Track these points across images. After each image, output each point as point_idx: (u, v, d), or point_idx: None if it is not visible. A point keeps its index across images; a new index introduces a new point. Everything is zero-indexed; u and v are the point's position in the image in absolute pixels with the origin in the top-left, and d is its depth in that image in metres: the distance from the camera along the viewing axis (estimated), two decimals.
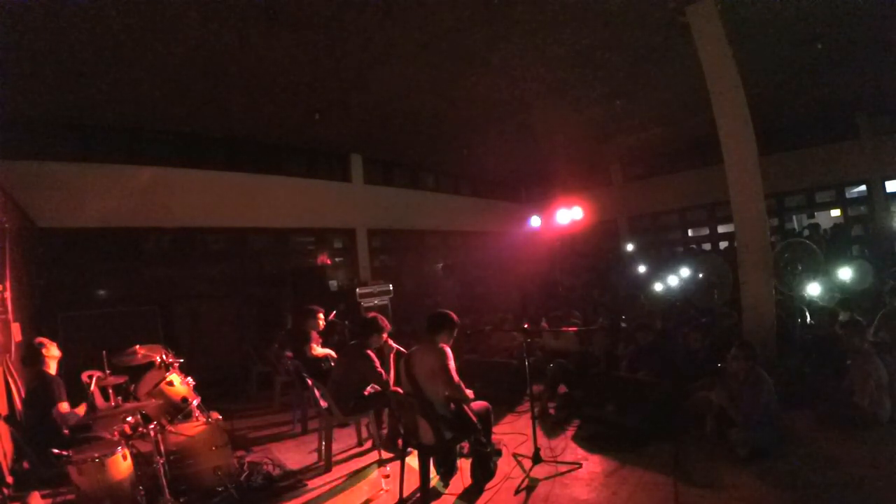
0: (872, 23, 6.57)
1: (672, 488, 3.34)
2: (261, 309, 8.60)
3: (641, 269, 11.13)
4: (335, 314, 6.69)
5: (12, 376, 4.20)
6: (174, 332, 7.50)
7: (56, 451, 3.07)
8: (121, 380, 4.04)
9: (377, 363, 4.32)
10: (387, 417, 4.59)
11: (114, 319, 6.81)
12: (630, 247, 13.34)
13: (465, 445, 3.83)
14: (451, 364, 3.45)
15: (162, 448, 3.35)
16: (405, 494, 3.51)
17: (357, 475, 4.08)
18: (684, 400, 4.58)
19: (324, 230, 10.51)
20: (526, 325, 4.68)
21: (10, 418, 3.88)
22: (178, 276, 8.35)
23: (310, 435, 5.07)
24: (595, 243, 14.19)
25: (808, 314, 6.20)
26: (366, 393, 4.29)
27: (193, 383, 4.31)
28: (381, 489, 3.70)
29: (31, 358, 3.78)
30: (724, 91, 5.60)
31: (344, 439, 4.79)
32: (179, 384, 4.21)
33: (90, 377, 4.00)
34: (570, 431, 4.67)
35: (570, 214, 11.18)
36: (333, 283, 10.12)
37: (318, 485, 3.95)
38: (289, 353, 5.75)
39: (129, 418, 3.31)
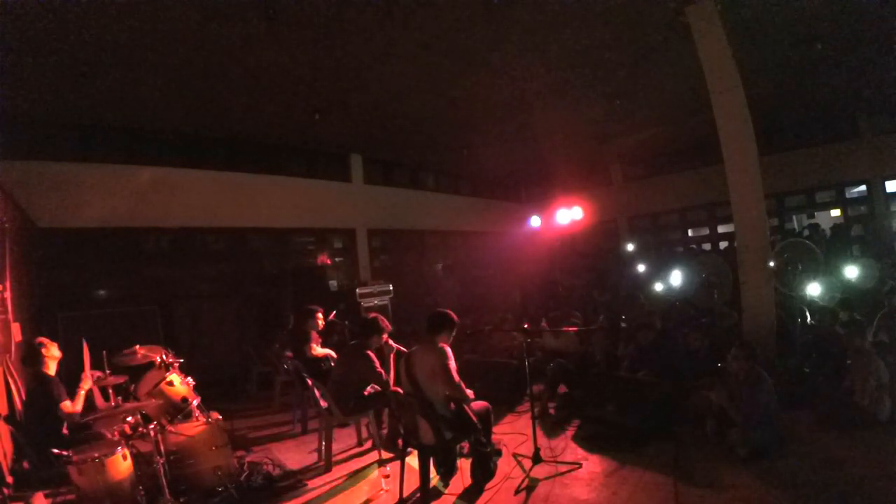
0: (872, 23, 6.57)
1: (672, 488, 3.34)
2: (261, 309, 8.60)
3: (640, 268, 11.13)
4: (335, 314, 6.69)
5: (12, 376, 4.20)
6: (174, 332, 7.50)
7: (56, 451, 3.07)
8: (121, 380, 4.04)
9: (377, 363, 4.32)
10: (387, 417, 4.59)
11: (114, 319, 6.81)
12: (630, 247, 13.33)
13: (465, 445, 3.84)
14: (452, 364, 3.45)
15: (162, 448, 3.35)
16: (405, 494, 3.51)
17: (357, 475, 4.08)
18: (684, 400, 4.58)
19: (324, 230, 10.51)
20: (526, 325, 4.69)
21: (10, 418, 3.88)
22: (178, 276, 8.34)
23: (310, 435, 5.07)
24: (595, 243, 14.18)
25: (808, 314, 6.20)
26: (366, 393, 4.29)
27: (193, 383, 4.31)
28: (381, 489, 3.70)
29: (31, 358, 3.78)
30: (724, 91, 5.60)
31: (344, 439, 4.79)
32: (179, 384, 4.21)
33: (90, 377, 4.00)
34: (570, 431, 4.67)
35: (570, 214, 11.19)
36: (333, 283, 10.13)
37: (318, 485, 3.95)
38: (289, 354, 5.75)
39: (129, 418, 3.31)
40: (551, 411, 5.22)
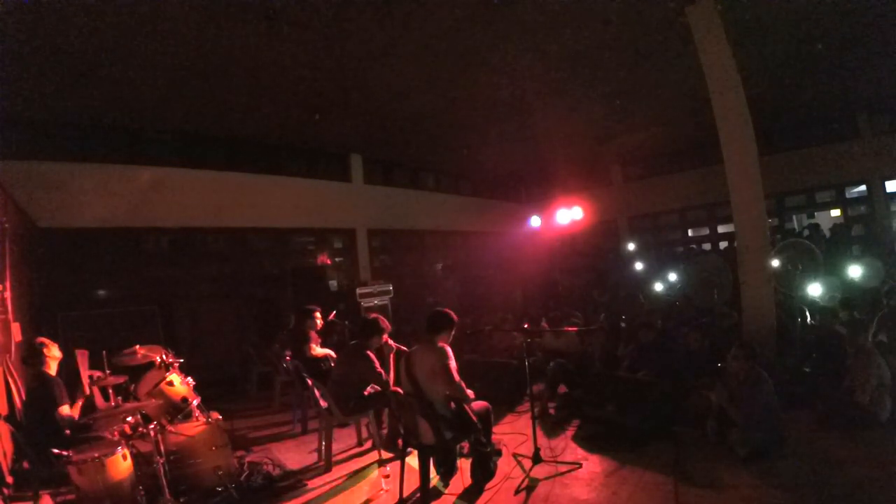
0: (872, 23, 6.57)
1: (672, 488, 3.34)
2: (261, 309, 8.60)
3: (637, 266, 11.14)
4: (335, 314, 6.69)
5: (12, 376, 4.19)
6: (174, 332, 7.50)
7: (56, 451, 3.07)
8: (121, 380, 4.04)
9: (377, 364, 4.33)
10: (387, 417, 4.59)
11: (114, 319, 6.81)
12: (631, 246, 13.34)
13: (465, 445, 3.84)
14: (452, 363, 3.45)
15: (162, 448, 3.35)
16: (405, 494, 3.51)
17: (357, 475, 4.08)
18: (684, 400, 4.58)
19: (324, 230, 10.51)
20: (526, 325, 4.69)
21: (10, 418, 3.88)
22: (178, 276, 8.34)
23: (310, 435, 5.07)
24: (595, 243, 14.18)
25: (808, 314, 6.21)
26: (366, 393, 4.29)
27: (193, 383, 4.32)
28: (381, 489, 3.70)
29: (32, 358, 3.77)
30: (724, 91, 5.60)
31: (344, 439, 4.79)
32: (179, 384, 4.22)
33: (90, 377, 4.00)
34: (570, 431, 4.68)
35: (570, 214, 11.19)
36: (333, 283, 10.13)
37: (318, 485, 3.95)
38: (288, 354, 5.75)
39: (129, 418, 3.31)
40: (551, 411, 5.22)
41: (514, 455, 4.11)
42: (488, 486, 3.64)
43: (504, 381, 5.58)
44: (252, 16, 5.14)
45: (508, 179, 15.24)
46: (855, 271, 7.13)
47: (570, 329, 6.11)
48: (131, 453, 3.31)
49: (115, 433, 3.37)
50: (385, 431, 4.54)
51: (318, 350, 5.40)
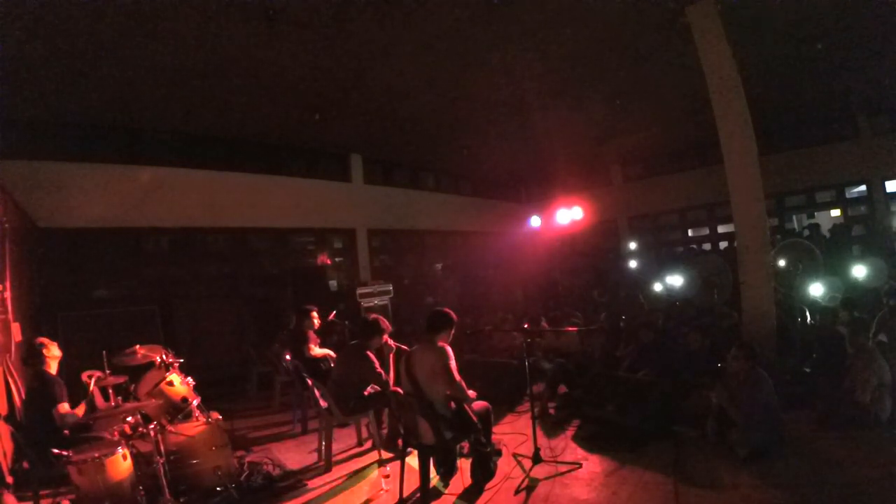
0: (872, 23, 6.57)
1: (672, 488, 3.34)
2: (261, 309, 8.60)
3: (633, 264, 11.13)
4: (335, 314, 6.69)
5: (12, 376, 4.20)
6: (174, 332, 7.50)
7: (56, 451, 3.07)
8: (121, 380, 4.04)
9: (377, 364, 4.33)
10: (387, 417, 4.59)
11: (114, 319, 6.81)
12: (632, 245, 13.34)
13: (465, 445, 3.84)
14: (453, 363, 3.45)
15: (162, 448, 3.35)
16: (405, 494, 3.51)
17: (357, 475, 4.08)
18: (684, 400, 4.58)
19: (324, 230, 10.51)
20: (526, 325, 4.69)
21: (10, 418, 3.88)
22: (178, 276, 8.35)
23: (310, 435, 5.07)
24: (595, 243, 14.18)
25: (808, 314, 6.21)
26: (366, 393, 4.29)
27: (193, 383, 4.32)
28: (381, 489, 3.70)
29: (32, 357, 3.77)
30: (724, 91, 5.60)
31: (344, 439, 4.79)
32: (179, 384, 4.22)
33: (90, 377, 4.00)
34: (570, 431, 4.68)
35: (570, 214, 11.19)
36: (333, 283, 10.13)
37: (318, 485, 3.95)
38: (287, 355, 5.75)
39: (129, 418, 3.31)
40: (551, 411, 5.22)
41: (514, 455, 4.11)
42: (488, 486, 3.63)
43: (504, 381, 5.58)
44: (252, 16, 5.13)
45: (508, 179, 15.24)
46: (859, 271, 7.12)
47: (570, 329, 6.11)
48: (131, 453, 3.31)
49: (115, 433, 3.37)
50: (385, 431, 4.54)
51: (316, 350, 5.41)
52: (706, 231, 13.44)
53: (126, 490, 3.17)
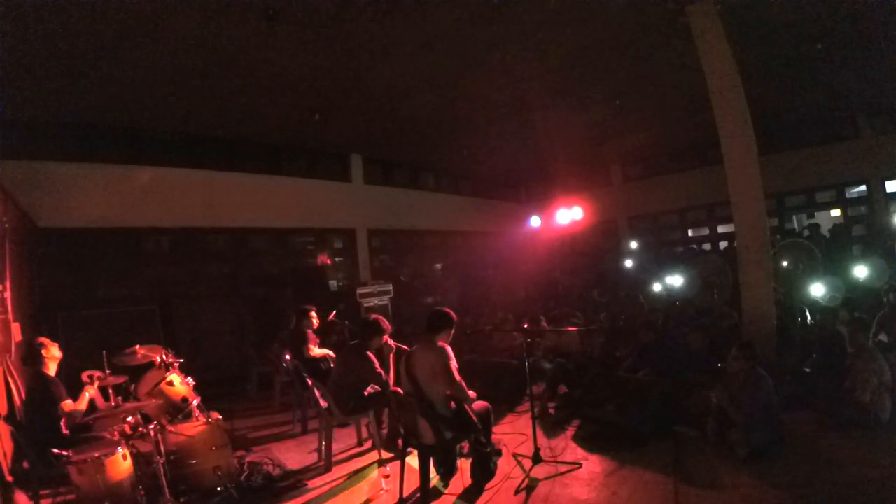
0: (872, 23, 6.57)
1: (672, 488, 3.34)
2: (261, 309, 8.60)
3: (628, 264, 11.12)
4: (335, 314, 6.69)
5: (12, 376, 4.19)
6: (174, 332, 7.50)
7: (56, 451, 3.07)
8: (121, 380, 4.04)
9: (376, 364, 4.33)
10: (387, 417, 4.59)
11: (114, 319, 6.81)
12: (634, 244, 13.34)
13: (465, 445, 3.84)
14: (453, 363, 3.45)
15: (162, 448, 3.35)
16: (405, 494, 3.51)
17: (357, 475, 4.08)
18: (684, 400, 4.58)
19: (324, 230, 10.50)
20: (526, 325, 4.69)
21: (10, 418, 3.88)
22: (178, 276, 8.35)
23: (310, 435, 5.07)
24: (595, 243, 14.18)
25: (808, 314, 6.20)
26: (366, 393, 4.29)
27: (193, 383, 4.32)
28: (381, 489, 3.70)
29: (31, 357, 3.77)
30: (724, 91, 5.60)
31: (344, 439, 4.79)
32: (179, 384, 4.22)
33: (90, 377, 4.00)
34: (570, 431, 4.67)
35: (570, 214, 11.19)
36: (333, 283, 10.13)
37: (318, 485, 3.95)
38: (286, 355, 5.75)
39: (129, 418, 3.31)
40: (551, 411, 5.22)
41: (514, 455, 4.11)
42: (488, 486, 3.64)
43: (504, 381, 5.58)
44: (252, 16, 5.13)
45: (508, 179, 15.25)
46: (860, 271, 7.11)
47: (570, 329, 6.11)
48: (131, 453, 3.31)
49: (115, 433, 3.37)
50: (385, 431, 4.54)
51: (316, 351, 5.41)
52: (706, 231, 13.45)
53: (126, 490, 3.17)
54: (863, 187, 11.47)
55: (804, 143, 11.59)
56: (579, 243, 13.36)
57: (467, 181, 14.22)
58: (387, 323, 4.56)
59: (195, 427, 3.79)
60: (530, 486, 3.56)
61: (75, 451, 3.17)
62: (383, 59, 6.43)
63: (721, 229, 12.83)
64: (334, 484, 3.95)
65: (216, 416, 4.02)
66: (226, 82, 6.66)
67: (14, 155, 6.33)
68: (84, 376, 4.06)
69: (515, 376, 5.43)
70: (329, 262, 10.39)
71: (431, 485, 3.61)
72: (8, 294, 4.51)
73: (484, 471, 3.72)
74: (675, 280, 8.51)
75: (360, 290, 9.09)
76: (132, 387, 4.25)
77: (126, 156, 7.80)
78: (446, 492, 3.64)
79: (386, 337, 4.51)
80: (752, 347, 4.10)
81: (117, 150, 7.77)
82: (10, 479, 3.45)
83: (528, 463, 3.85)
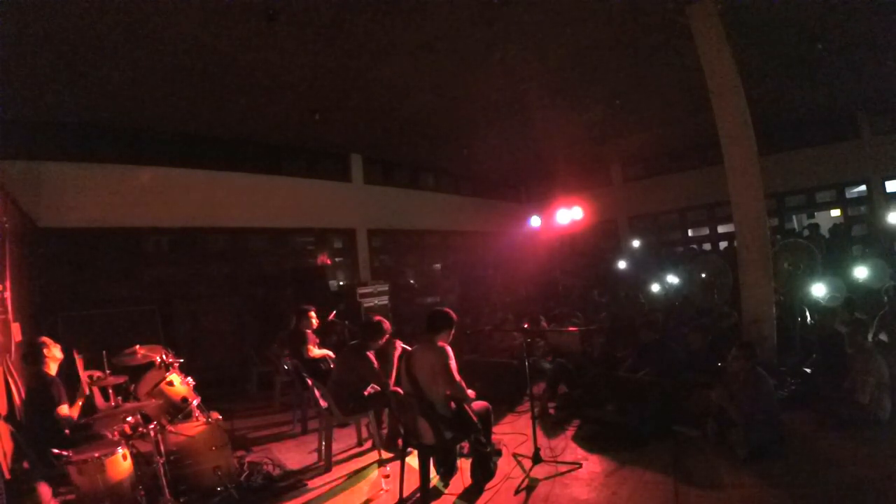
0: (872, 23, 6.57)
1: (672, 488, 3.34)
2: (261, 309, 8.60)
3: (622, 265, 11.11)
4: (335, 314, 6.69)
5: (12, 376, 4.19)
6: (174, 332, 7.50)
7: (56, 451, 3.07)
8: (121, 380, 4.04)
9: (376, 364, 4.33)
10: (387, 417, 4.59)
11: (114, 319, 6.81)
12: (636, 243, 13.34)
13: (465, 445, 3.83)
14: (453, 363, 3.45)
15: (162, 448, 3.35)
16: (405, 494, 3.51)
17: (357, 475, 4.08)
18: (684, 400, 4.58)
19: (324, 230, 10.51)
20: (526, 325, 4.68)
21: (10, 418, 3.88)
22: (177, 276, 8.35)
23: (310, 435, 5.07)
24: (595, 243, 14.18)
25: (808, 314, 6.20)
26: (365, 393, 4.29)
27: (193, 383, 4.32)
28: (381, 489, 3.70)
29: (32, 357, 3.77)
30: (724, 91, 5.60)
31: (344, 439, 4.79)
32: (179, 384, 4.22)
33: (90, 377, 4.00)
34: (570, 431, 4.67)
35: (570, 214, 11.19)
36: (333, 283, 10.13)
37: (318, 485, 3.95)
38: (286, 355, 5.75)
39: (129, 418, 3.31)
40: (551, 411, 5.22)
41: (514, 455, 4.11)
42: (488, 486, 3.63)
43: (504, 381, 5.58)
44: (252, 16, 5.14)
45: (508, 179, 15.24)
46: (860, 272, 7.11)
47: (570, 329, 6.11)
48: (131, 453, 3.31)
49: (115, 433, 3.37)
50: (385, 431, 4.54)
51: (315, 351, 5.41)
52: (706, 231, 13.44)
53: (126, 490, 3.17)
54: (863, 187, 11.46)
55: (804, 143, 11.59)
56: (579, 243, 13.35)
57: (467, 181, 14.22)
58: (388, 324, 4.56)
59: (195, 427, 3.79)
60: (530, 486, 3.56)
61: (75, 451, 3.17)
62: (383, 59, 6.43)
63: (721, 229, 12.82)
64: (334, 484, 3.95)
65: (216, 416, 4.02)
66: (226, 82, 6.67)
67: (14, 155, 6.34)
68: (84, 376, 4.07)
69: (515, 376, 5.42)
70: (329, 262, 10.39)
71: (431, 485, 3.61)
72: (8, 294, 4.51)
73: (484, 471, 3.72)
74: (674, 280, 8.51)
75: (361, 290, 9.09)
76: (132, 387, 4.25)
77: (126, 156, 7.81)
78: (446, 492, 3.64)
79: (397, 341, 4.51)
80: (752, 347, 4.10)
81: (117, 150, 7.77)
82: (7, 476, 3.45)
83: (528, 463, 3.85)
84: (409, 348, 4.32)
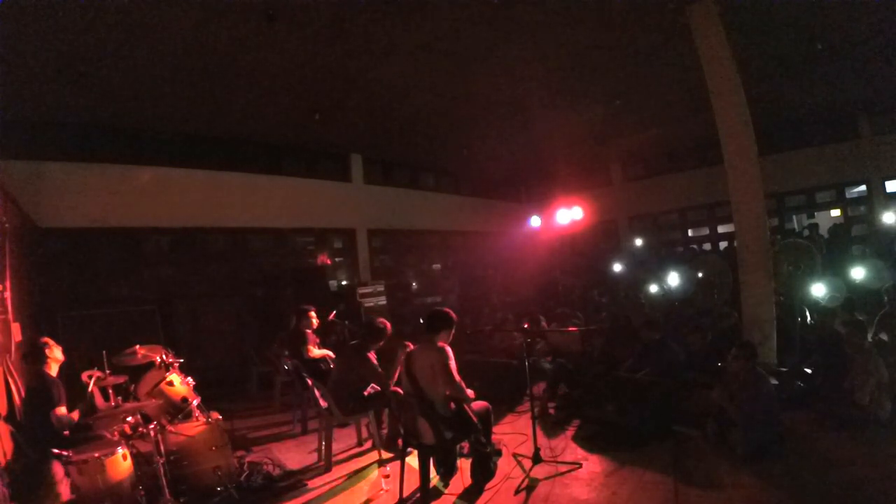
0: (872, 23, 6.57)
1: (672, 488, 3.34)
2: (261, 309, 8.60)
3: (617, 268, 11.09)
4: (335, 314, 6.69)
5: (12, 376, 4.19)
6: (174, 332, 7.50)
7: (56, 451, 3.07)
8: (121, 380, 4.04)
9: (377, 364, 4.33)
10: (387, 417, 4.59)
11: (114, 319, 6.81)
12: (639, 241, 13.33)
13: (465, 445, 3.83)
14: (452, 363, 3.45)
15: (162, 448, 3.35)
16: (405, 494, 3.51)
17: (357, 475, 4.08)
18: (684, 400, 4.58)
19: (324, 230, 10.51)
20: (526, 325, 4.68)
21: (10, 418, 3.88)
22: (177, 276, 8.35)
23: (310, 435, 5.07)
24: (595, 243, 14.18)
25: (808, 314, 6.20)
26: (365, 393, 4.29)
27: (193, 383, 4.31)
28: (381, 489, 3.70)
29: (34, 356, 3.76)
30: (724, 91, 5.60)
31: (344, 439, 4.79)
32: (179, 384, 4.22)
33: (90, 377, 4.00)
34: (570, 431, 4.67)
35: (570, 214, 11.18)
36: (333, 283, 10.13)
37: (318, 485, 3.95)
38: (286, 355, 5.75)
39: (129, 418, 3.31)
40: (551, 411, 5.22)
41: (514, 455, 4.11)
42: (488, 486, 3.63)
43: (504, 381, 5.58)
44: (252, 16, 5.14)
45: (508, 179, 15.24)
46: (857, 273, 7.11)
47: (571, 329, 6.11)
48: (131, 453, 3.31)
49: (115, 433, 3.37)
50: (385, 431, 4.54)
51: (315, 351, 5.40)
52: (706, 231, 13.44)
53: (126, 490, 3.17)
54: (863, 187, 11.46)
55: (804, 143, 11.59)
56: (579, 243, 13.35)
57: (467, 181, 14.22)
58: (389, 326, 4.57)
59: (195, 427, 3.79)
60: (530, 486, 3.56)
61: (75, 451, 3.17)
62: (383, 59, 6.43)
63: (721, 229, 12.82)
64: (334, 484, 3.95)
65: (216, 416, 4.02)
66: (226, 82, 6.67)
67: (14, 155, 6.34)
68: (84, 376, 4.06)
69: (515, 376, 5.42)
70: (329, 262, 10.39)
71: (431, 485, 3.61)
72: (8, 294, 4.51)
73: (484, 471, 3.72)
74: (673, 280, 8.50)
75: (361, 290, 9.09)
76: (132, 387, 4.25)
77: (126, 156, 7.81)
78: (446, 492, 3.64)
79: (408, 343, 4.50)
80: (751, 347, 4.10)
81: (117, 150, 7.78)
82: (9, 479, 3.44)
83: (528, 463, 3.85)
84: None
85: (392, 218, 11.53)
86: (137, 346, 4.27)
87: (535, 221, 12.32)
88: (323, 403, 4.40)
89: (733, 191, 5.65)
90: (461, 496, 3.56)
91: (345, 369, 4.42)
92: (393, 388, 4.19)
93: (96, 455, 3.09)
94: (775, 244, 6.82)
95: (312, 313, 5.59)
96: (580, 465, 3.86)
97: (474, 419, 3.52)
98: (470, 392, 3.57)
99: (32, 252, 6.12)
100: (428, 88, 7.59)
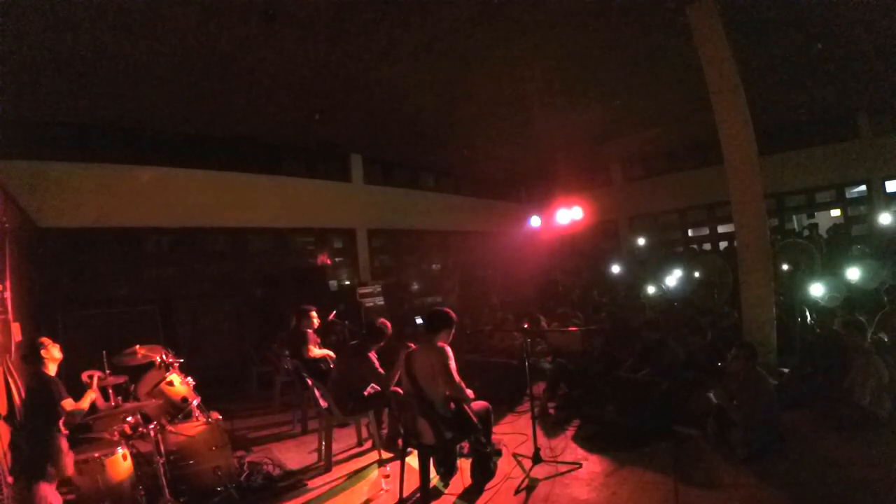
0: (872, 23, 6.57)
1: (672, 488, 3.34)
2: (261, 309, 8.60)
3: (615, 269, 11.08)
4: (335, 314, 6.69)
5: (12, 376, 4.19)
6: (174, 332, 7.50)
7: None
8: (121, 380, 4.04)
9: (377, 364, 4.33)
10: (387, 417, 4.59)
11: (114, 319, 6.81)
12: (641, 240, 13.33)
13: (465, 445, 3.84)
14: (452, 363, 3.45)
15: (162, 448, 3.35)
16: (405, 494, 3.51)
17: (357, 475, 4.08)
18: (684, 400, 4.57)
19: (324, 230, 10.51)
20: (526, 325, 4.68)
21: (10, 418, 3.88)
22: (177, 276, 8.36)
23: (310, 435, 5.07)
24: (595, 243, 14.18)
25: (808, 314, 6.20)
26: (365, 393, 4.29)
27: (193, 383, 4.31)
28: (381, 489, 3.70)
29: (31, 356, 3.76)
30: (724, 91, 5.59)
31: (344, 439, 4.79)
32: (179, 384, 4.21)
33: (90, 377, 3.99)
34: (570, 431, 4.67)
35: (570, 214, 11.18)
36: (333, 283, 10.13)
37: (318, 485, 3.95)
38: (286, 355, 5.75)
39: (129, 418, 3.32)
40: (551, 411, 5.22)
41: (514, 455, 4.11)
42: (488, 486, 3.63)
43: (504, 381, 5.57)
44: (252, 16, 5.14)
45: (508, 179, 15.25)
46: (853, 273, 7.10)
47: (571, 329, 6.11)
48: (131, 453, 3.32)
49: (115, 433, 3.37)
50: (385, 431, 4.54)
51: (316, 351, 5.40)
52: (706, 231, 13.45)
53: (126, 490, 3.17)
54: (863, 187, 11.46)
55: (804, 143, 11.59)
56: (579, 243, 13.35)
57: (467, 181, 14.23)
58: (390, 327, 4.57)
59: (195, 427, 3.79)
60: (530, 486, 3.56)
61: (75, 451, 3.17)
62: (383, 59, 6.43)
63: (721, 229, 12.83)
64: (334, 484, 3.95)
65: (216, 416, 4.02)
66: (226, 82, 6.67)
67: (14, 155, 6.34)
68: (84, 376, 4.06)
69: (515, 376, 5.42)
70: (329, 262, 10.39)
71: (431, 485, 3.61)
72: (8, 294, 4.50)
73: (484, 471, 3.72)
74: (673, 280, 8.50)
75: (361, 290, 9.09)
76: (132, 387, 4.25)
77: (126, 156, 7.81)
78: (446, 492, 3.64)
79: (411, 344, 4.50)
80: (751, 347, 4.10)
81: (117, 150, 7.78)
82: (10, 479, 3.44)
83: (528, 463, 3.85)
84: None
85: (392, 218, 11.53)
86: (137, 346, 4.27)
87: (535, 221, 12.32)
88: (323, 403, 4.40)
89: (733, 191, 5.65)
90: (461, 496, 3.56)
91: (345, 369, 4.42)
92: (393, 388, 4.19)
93: (96, 455, 3.10)
94: (775, 244, 6.82)
95: (313, 313, 5.58)
96: (580, 465, 3.86)
97: (474, 419, 3.52)
98: (470, 392, 3.57)
99: (32, 252, 6.12)
100: (428, 89, 7.60)
